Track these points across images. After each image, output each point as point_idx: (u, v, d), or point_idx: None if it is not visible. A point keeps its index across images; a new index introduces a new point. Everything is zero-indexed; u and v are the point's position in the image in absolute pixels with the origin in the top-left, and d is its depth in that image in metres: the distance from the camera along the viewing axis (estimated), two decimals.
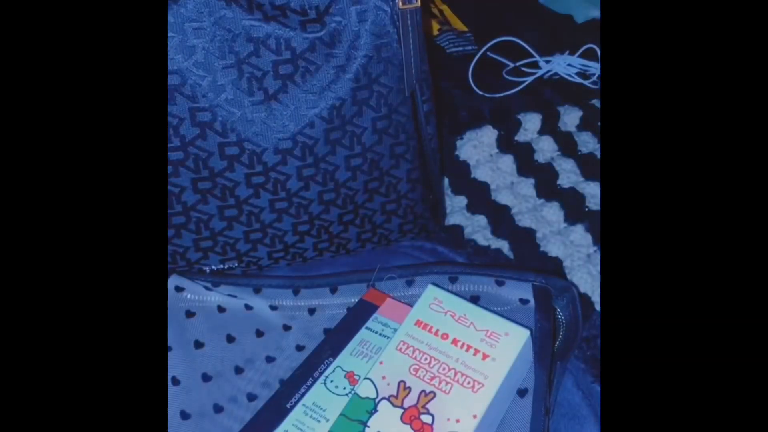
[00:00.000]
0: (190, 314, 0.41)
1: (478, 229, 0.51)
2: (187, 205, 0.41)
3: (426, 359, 0.33)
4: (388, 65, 0.41)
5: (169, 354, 0.38)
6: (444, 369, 0.32)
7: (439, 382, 0.32)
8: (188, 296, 0.42)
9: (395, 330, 0.37)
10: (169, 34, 0.36)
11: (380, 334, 0.37)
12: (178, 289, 0.42)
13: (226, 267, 0.46)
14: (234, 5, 0.37)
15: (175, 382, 0.36)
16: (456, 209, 0.53)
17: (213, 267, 0.45)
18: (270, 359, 0.40)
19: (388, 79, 0.41)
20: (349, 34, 0.39)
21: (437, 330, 0.34)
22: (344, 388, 0.34)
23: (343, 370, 0.36)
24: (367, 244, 0.49)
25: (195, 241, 0.43)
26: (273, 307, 0.43)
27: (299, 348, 0.41)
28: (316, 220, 0.45)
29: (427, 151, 0.46)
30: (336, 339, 0.38)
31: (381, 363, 0.33)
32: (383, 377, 0.33)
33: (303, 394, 0.35)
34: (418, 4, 0.40)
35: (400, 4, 0.39)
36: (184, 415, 0.35)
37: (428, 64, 0.43)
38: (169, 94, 0.37)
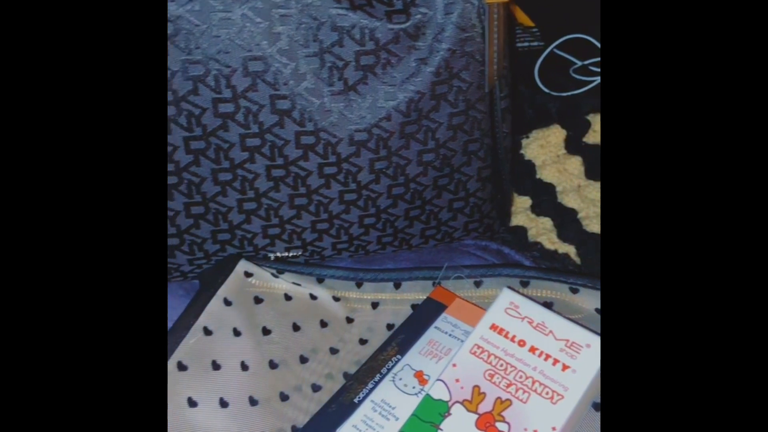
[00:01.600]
0: (258, 300, 0.41)
1: (543, 231, 0.50)
2: (259, 192, 0.41)
3: (502, 365, 0.32)
4: (471, 60, 0.40)
5: (238, 339, 0.38)
6: (521, 377, 0.32)
7: (516, 390, 0.31)
8: (256, 282, 0.42)
9: (465, 332, 0.37)
10: (256, 19, 0.36)
11: (450, 335, 0.37)
12: (247, 274, 0.42)
13: (290, 255, 0.46)
14: None
15: (244, 367, 0.37)
16: (519, 210, 0.52)
17: (278, 254, 0.45)
18: (333, 351, 0.40)
19: (469, 74, 0.40)
20: (434, 26, 0.38)
21: (514, 336, 0.33)
22: (413, 387, 0.34)
23: (411, 368, 0.35)
24: (430, 241, 0.48)
25: (264, 227, 0.43)
26: (336, 299, 0.43)
27: (362, 342, 0.41)
28: (383, 213, 0.44)
29: (500, 150, 0.45)
30: (403, 336, 0.37)
31: (454, 365, 0.33)
32: (457, 380, 0.32)
33: (371, 390, 0.35)
34: None
35: None
36: (253, 401, 0.35)
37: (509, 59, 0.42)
38: (251, 79, 0.37)
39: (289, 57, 0.37)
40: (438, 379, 0.32)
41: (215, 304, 0.39)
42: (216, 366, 0.36)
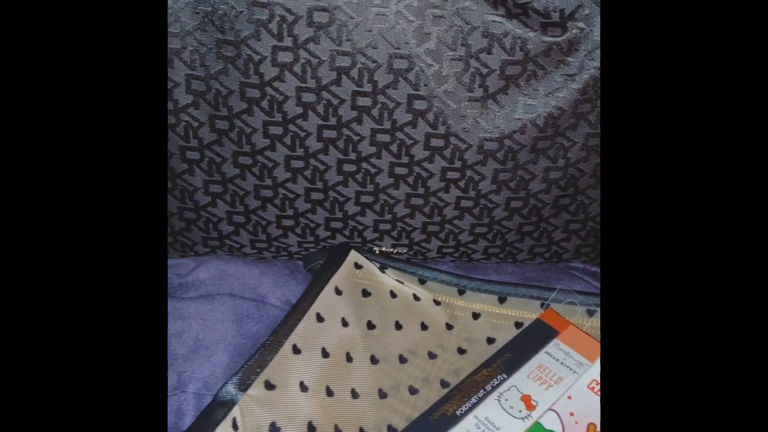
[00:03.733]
0: (366, 293, 0.41)
1: None
2: (378, 187, 0.41)
3: None
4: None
5: (346, 329, 0.38)
6: None
7: None
8: (364, 275, 0.42)
9: (578, 362, 0.35)
10: (410, 17, 0.35)
11: (561, 363, 0.36)
12: (357, 266, 0.42)
13: (395, 251, 0.46)
14: None
15: (349, 358, 0.37)
16: None
17: (383, 248, 0.45)
18: (432, 355, 0.40)
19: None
20: (590, 43, 0.36)
21: None
22: (520, 411, 0.33)
23: (518, 390, 0.34)
24: (536, 258, 0.47)
25: (375, 222, 0.43)
26: (437, 302, 0.43)
27: (461, 351, 0.40)
28: (496, 224, 0.44)
29: None
30: (509, 356, 0.37)
31: (569, 397, 0.32)
32: (571, 413, 0.31)
33: (474, 405, 0.34)
34: None
35: None
36: (354, 394, 0.36)
37: None
38: (393, 77, 0.37)
39: (434, 58, 0.36)
40: (551, 409, 0.32)
41: (328, 292, 0.39)
42: (325, 353, 0.37)
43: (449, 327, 0.42)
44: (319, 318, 0.38)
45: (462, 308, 0.43)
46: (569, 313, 0.40)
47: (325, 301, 0.39)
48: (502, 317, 0.42)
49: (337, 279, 0.41)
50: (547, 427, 0.31)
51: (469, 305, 0.43)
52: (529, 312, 0.41)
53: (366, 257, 0.44)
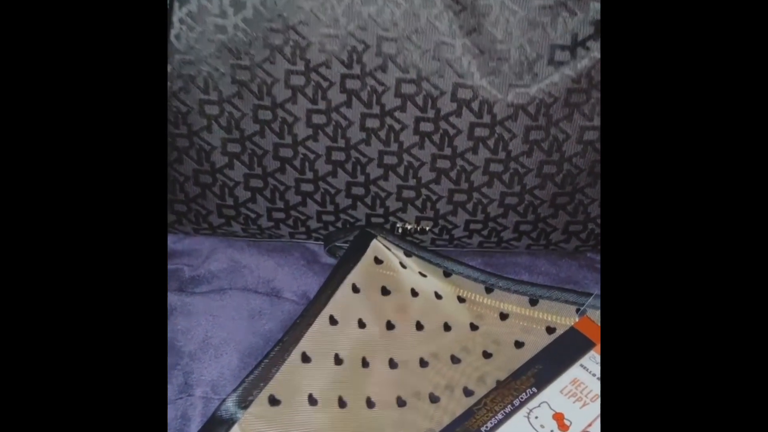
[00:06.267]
0: (385, 291, 0.38)
1: None
2: (403, 146, 0.38)
3: None
4: None
5: (362, 331, 0.36)
6: None
7: None
8: (384, 272, 0.40)
9: None
10: None
11: (598, 378, 0.33)
12: (377, 260, 0.40)
13: (419, 227, 0.43)
14: None
15: (365, 363, 0.35)
16: None
17: (407, 225, 0.42)
18: (455, 360, 0.37)
19: None
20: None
21: None
22: (552, 431, 0.31)
23: (550, 408, 0.32)
24: (572, 239, 0.43)
25: (399, 188, 0.40)
26: (461, 299, 0.40)
27: (486, 355, 0.37)
28: (528, 194, 0.40)
29: None
30: (541, 367, 0.34)
31: None
32: None
33: (500, 422, 0.31)
34: None
35: None
36: (370, 403, 0.33)
37: None
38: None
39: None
40: (586, 431, 0.29)
41: (344, 291, 0.36)
42: (338, 360, 0.34)
43: (474, 327, 0.39)
44: (333, 321, 0.35)
45: (489, 307, 0.40)
46: None
47: (341, 301, 0.36)
48: (533, 320, 0.39)
49: (355, 275, 0.38)
50: None
51: (497, 305, 0.40)
52: (562, 317, 0.38)
53: (390, 241, 0.41)
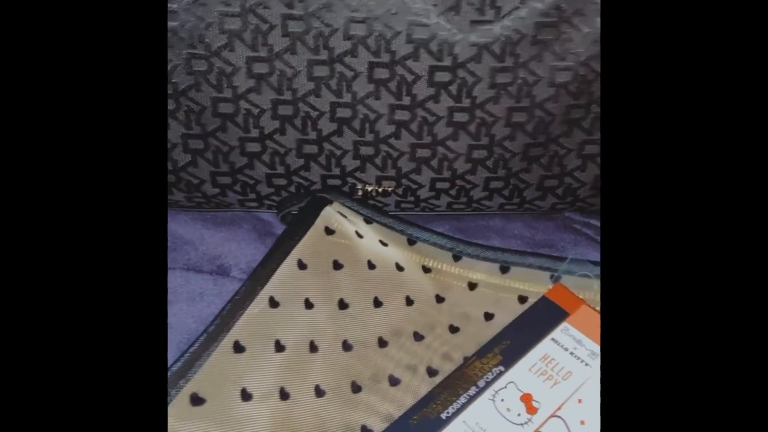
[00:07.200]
0: (337, 266, 0.34)
1: None
2: (356, 96, 0.34)
3: None
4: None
5: (309, 312, 0.32)
6: None
7: None
8: (338, 241, 0.35)
9: (592, 352, 0.29)
10: None
11: (572, 353, 0.29)
12: (328, 231, 0.35)
13: (381, 189, 0.38)
14: None
15: (313, 348, 0.31)
16: None
17: (367, 187, 0.38)
18: (418, 337, 0.33)
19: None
20: None
21: None
22: (519, 415, 0.27)
23: (518, 388, 0.28)
24: (548, 196, 0.39)
25: (355, 144, 0.35)
26: (426, 269, 0.36)
27: (453, 329, 0.34)
28: (497, 146, 0.36)
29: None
30: (509, 342, 0.30)
31: (580, 401, 0.25)
32: (582, 422, 0.25)
33: (463, 405, 0.28)
34: None
35: None
36: (319, 392, 0.30)
37: None
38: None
39: None
40: (556, 416, 0.25)
41: (288, 268, 0.32)
42: (279, 347, 0.30)
43: (440, 299, 0.35)
44: (273, 303, 0.31)
45: (457, 276, 0.36)
46: (583, 286, 0.33)
47: (284, 280, 0.32)
48: (504, 290, 0.35)
49: (301, 249, 0.33)
50: None
51: (466, 273, 0.36)
52: (536, 285, 0.34)
53: (348, 207, 0.36)
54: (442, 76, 0.33)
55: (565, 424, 0.25)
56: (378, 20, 0.32)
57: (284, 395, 0.29)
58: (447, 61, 0.33)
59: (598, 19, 0.33)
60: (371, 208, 0.37)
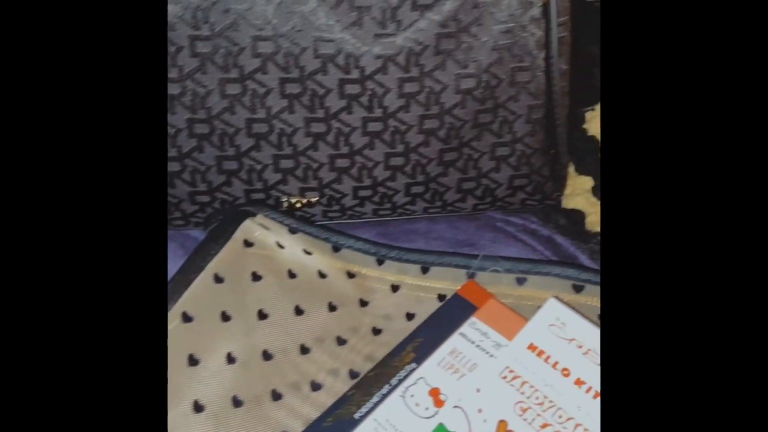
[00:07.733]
0: (256, 277, 0.35)
1: None
2: (271, 112, 0.35)
3: (538, 398, 0.26)
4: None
5: (226, 325, 0.32)
6: (561, 416, 0.25)
7: None
8: (256, 253, 0.36)
9: (496, 343, 0.30)
10: None
11: (477, 346, 0.30)
12: (247, 243, 0.36)
13: (305, 201, 0.39)
14: None
15: (230, 360, 0.31)
16: (578, 191, 0.44)
17: (291, 199, 0.39)
18: (341, 341, 0.34)
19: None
20: None
21: (556, 362, 0.27)
22: (426, 409, 0.28)
23: (427, 384, 0.29)
24: (468, 198, 0.40)
25: (275, 158, 0.36)
26: (351, 275, 0.37)
27: (375, 331, 0.35)
28: (413, 153, 0.37)
29: (556, 87, 0.37)
30: (422, 339, 0.31)
31: (478, 390, 0.27)
32: (479, 410, 0.26)
33: (376, 404, 0.29)
34: None
35: None
36: (237, 402, 0.30)
37: None
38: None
39: None
40: (456, 406, 0.26)
41: (203, 283, 0.33)
42: (193, 361, 0.30)
43: (364, 304, 0.36)
44: (186, 318, 0.32)
45: (380, 280, 0.37)
46: (496, 281, 0.34)
47: (198, 294, 0.32)
48: (425, 289, 0.36)
49: (217, 263, 0.34)
50: (450, 428, 0.26)
51: (389, 276, 0.37)
52: (453, 283, 0.36)
53: (273, 219, 0.37)
54: (352, 89, 0.34)
55: (465, 414, 0.26)
56: (284, 37, 0.33)
57: (198, 408, 0.29)
58: (355, 74, 0.34)
59: (496, 28, 0.34)
60: (296, 219, 0.38)
